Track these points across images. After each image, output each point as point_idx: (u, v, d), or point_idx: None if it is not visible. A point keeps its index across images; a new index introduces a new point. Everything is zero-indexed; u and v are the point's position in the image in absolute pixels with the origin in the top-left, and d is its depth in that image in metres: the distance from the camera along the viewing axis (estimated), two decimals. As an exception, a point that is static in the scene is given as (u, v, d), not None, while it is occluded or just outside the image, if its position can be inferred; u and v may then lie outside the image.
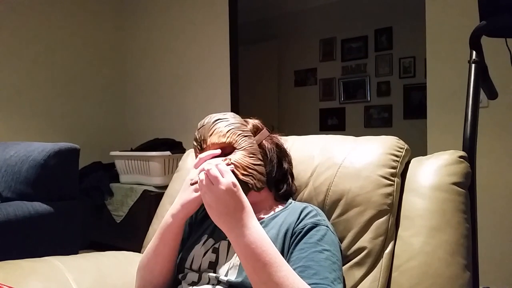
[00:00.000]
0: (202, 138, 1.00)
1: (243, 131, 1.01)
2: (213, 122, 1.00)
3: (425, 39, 2.49)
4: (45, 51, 3.55)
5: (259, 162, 0.99)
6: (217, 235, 0.99)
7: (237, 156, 0.96)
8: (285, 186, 1.07)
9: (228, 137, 0.98)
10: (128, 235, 3.08)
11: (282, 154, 1.09)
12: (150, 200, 2.98)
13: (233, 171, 0.92)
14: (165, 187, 3.01)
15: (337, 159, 1.09)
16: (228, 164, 0.91)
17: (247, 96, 4.77)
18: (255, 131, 1.06)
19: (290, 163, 1.11)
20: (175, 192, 1.44)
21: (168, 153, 3.12)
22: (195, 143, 1.02)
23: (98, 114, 3.95)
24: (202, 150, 1.00)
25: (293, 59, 5.13)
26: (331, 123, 4.85)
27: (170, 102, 3.84)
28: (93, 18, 3.92)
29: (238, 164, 0.94)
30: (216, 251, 0.96)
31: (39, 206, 1.77)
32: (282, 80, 5.21)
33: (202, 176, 0.83)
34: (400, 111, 4.38)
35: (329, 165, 1.09)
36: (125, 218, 3.12)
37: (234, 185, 0.81)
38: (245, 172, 0.95)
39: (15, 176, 1.86)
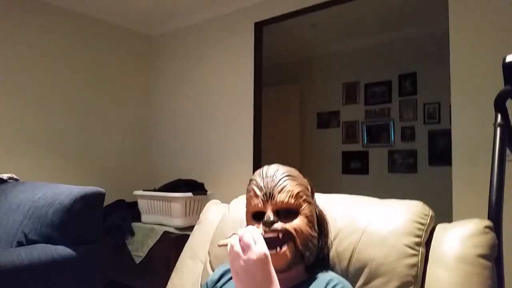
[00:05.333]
0: (270, 191, 0.95)
1: (307, 195, 0.99)
2: (282, 177, 0.98)
3: (449, 85, 2.47)
4: (73, 93, 3.69)
5: (315, 234, 0.98)
6: None
7: (300, 223, 0.94)
8: (324, 261, 1.03)
9: (296, 199, 0.96)
10: (147, 276, 3.06)
11: (327, 226, 1.06)
12: (170, 242, 2.98)
13: (292, 238, 0.91)
14: (185, 228, 3.06)
15: (360, 224, 1.08)
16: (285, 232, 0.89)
17: (270, 137, 4.80)
18: (312, 195, 1.03)
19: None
20: (196, 245, 1.44)
21: (189, 194, 3.13)
22: (258, 192, 0.97)
23: (124, 153, 4.04)
24: (266, 202, 0.95)
25: (315, 101, 5.17)
26: (354, 166, 4.81)
27: (193, 143, 3.90)
28: (121, 59, 4.07)
29: (299, 231, 0.93)
30: None
31: (63, 251, 1.79)
32: (305, 122, 5.24)
33: (234, 240, 0.80)
34: (425, 157, 4.31)
35: (352, 230, 1.07)
36: (144, 259, 3.12)
37: (266, 256, 0.77)
38: (304, 242, 0.93)
39: (41, 218, 1.89)
